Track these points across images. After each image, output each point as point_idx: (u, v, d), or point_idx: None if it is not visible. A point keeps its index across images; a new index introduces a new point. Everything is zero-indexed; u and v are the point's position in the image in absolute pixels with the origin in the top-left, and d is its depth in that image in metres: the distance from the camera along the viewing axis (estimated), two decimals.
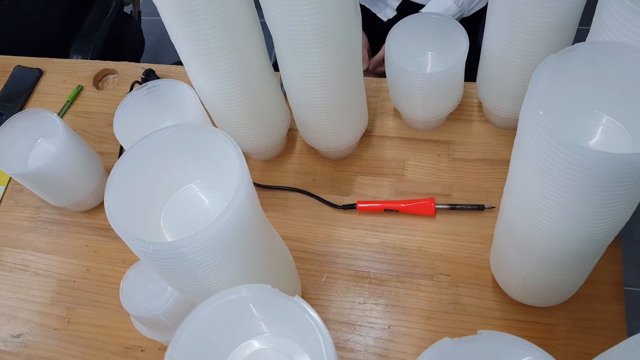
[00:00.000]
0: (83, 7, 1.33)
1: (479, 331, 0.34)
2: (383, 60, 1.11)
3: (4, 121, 0.79)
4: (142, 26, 1.63)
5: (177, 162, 0.49)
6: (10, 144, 0.79)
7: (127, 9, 1.48)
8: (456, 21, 0.75)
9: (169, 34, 0.65)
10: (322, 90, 0.69)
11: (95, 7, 1.31)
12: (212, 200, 0.51)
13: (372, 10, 1.15)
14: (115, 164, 0.45)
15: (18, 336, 0.80)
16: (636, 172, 0.38)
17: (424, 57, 0.82)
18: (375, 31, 1.14)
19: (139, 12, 1.51)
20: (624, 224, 0.48)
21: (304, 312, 0.36)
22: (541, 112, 0.41)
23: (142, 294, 0.68)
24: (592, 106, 0.48)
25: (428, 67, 0.82)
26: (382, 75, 1.11)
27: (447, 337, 0.35)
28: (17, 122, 0.79)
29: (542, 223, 0.49)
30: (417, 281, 0.75)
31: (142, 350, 0.76)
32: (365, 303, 0.75)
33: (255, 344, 0.45)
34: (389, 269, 0.76)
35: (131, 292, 0.68)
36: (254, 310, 0.41)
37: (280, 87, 0.83)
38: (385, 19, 1.15)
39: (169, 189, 0.51)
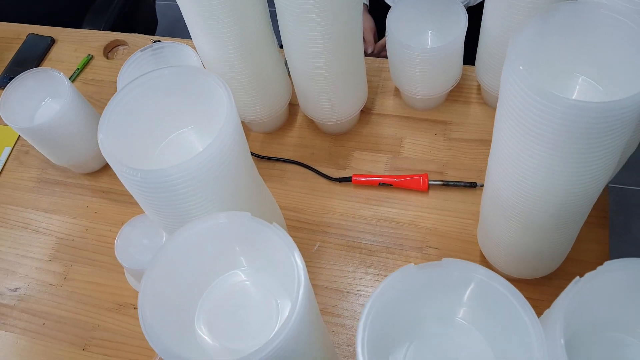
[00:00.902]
0: None
1: (443, 259, 0.36)
2: None
3: None
4: (157, 10, 1.66)
5: (172, 105, 0.50)
6: (19, 102, 0.81)
7: None
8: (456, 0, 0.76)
9: None
10: (323, 58, 0.71)
11: None
12: (205, 144, 0.53)
13: None
14: (112, 98, 0.46)
15: (15, 290, 0.82)
16: (611, 120, 0.39)
17: (424, 36, 0.83)
18: (382, 17, 1.16)
19: None
20: (602, 185, 0.49)
21: (282, 240, 0.37)
22: (521, 67, 0.42)
23: (136, 248, 0.70)
24: (570, 67, 0.49)
25: (428, 44, 0.84)
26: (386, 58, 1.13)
27: (412, 264, 0.36)
28: (26, 80, 0.81)
29: (525, 182, 0.50)
30: (407, 253, 0.76)
31: (134, 308, 0.78)
32: (355, 272, 0.76)
33: (234, 277, 0.46)
34: (379, 241, 0.78)
35: (126, 245, 0.70)
36: (233, 239, 0.42)
37: (284, 63, 0.85)
38: (392, 5, 1.16)
39: (162, 131, 0.52)
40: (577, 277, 0.34)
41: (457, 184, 0.79)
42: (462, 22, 0.75)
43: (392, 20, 0.77)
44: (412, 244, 0.77)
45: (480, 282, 0.36)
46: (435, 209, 0.79)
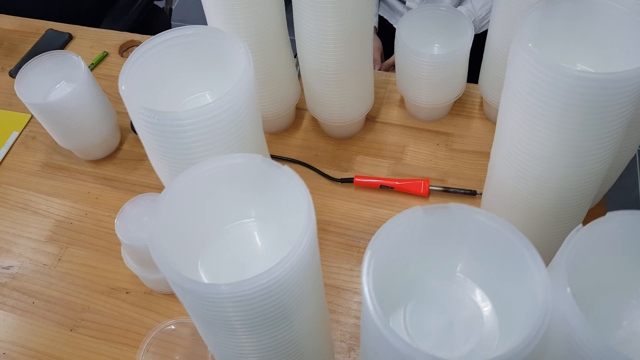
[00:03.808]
0: None
1: (449, 203, 0.36)
2: (394, 65, 1.16)
3: None
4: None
5: (191, 66, 0.52)
6: (35, 80, 0.83)
7: (160, 4, 1.56)
8: (462, 13, 0.80)
9: None
10: (334, 54, 0.73)
11: None
12: None
13: (390, 21, 1.22)
14: (132, 53, 0.48)
15: (8, 268, 0.82)
16: (615, 92, 0.41)
17: (431, 49, 0.87)
18: (389, 39, 1.20)
19: (170, 9, 1.59)
20: (604, 169, 0.50)
21: (290, 178, 0.37)
22: (530, 44, 0.45)
23: (136, 224, 0.70)
24: (569, 54, 0.51)
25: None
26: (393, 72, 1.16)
27: (419, 206, 0.37)
28: (44, 62, 0.84)
29: (529, 165, 0.51)
30: None
31: (127, 292, 0.77)
32: (352, 270, 0.76)
33: (242, 227, 0.46)
34: None
35: (126, 221, 0.70)
36: (244, 181, 0.42)
37: (295, 66, 0.88)
38: (404, 13, 1.21)
39: (180, 93, 0.54)
40: (580, 225, 0.34)
41: (457, 191, 0.81)
42: (469, 33, 0.78)
43: (402, 28, 0.80)
44: None
45: (483, 224, 0.36)
46: None
